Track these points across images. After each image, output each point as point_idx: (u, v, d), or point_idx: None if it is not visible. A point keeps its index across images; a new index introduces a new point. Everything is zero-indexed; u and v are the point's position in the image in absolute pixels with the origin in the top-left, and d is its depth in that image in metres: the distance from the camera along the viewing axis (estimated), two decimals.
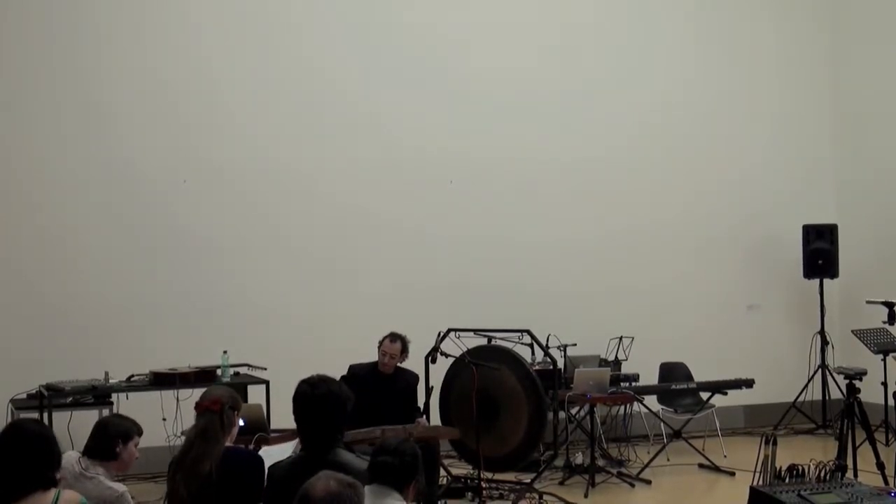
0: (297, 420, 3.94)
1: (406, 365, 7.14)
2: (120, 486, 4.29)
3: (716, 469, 8.00)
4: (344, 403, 3.92)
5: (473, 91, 9.05)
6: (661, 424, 8.59)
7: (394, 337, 7.01)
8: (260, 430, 5.94)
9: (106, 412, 6.88)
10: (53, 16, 7.95)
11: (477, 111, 9.05)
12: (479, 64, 9.08)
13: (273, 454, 5.08)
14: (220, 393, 4.30)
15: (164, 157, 8.20)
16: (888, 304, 7.76)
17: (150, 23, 8.21)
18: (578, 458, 7.98)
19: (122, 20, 8.14)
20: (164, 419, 7.12)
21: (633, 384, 8.24)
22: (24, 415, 6.89)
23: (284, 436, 5.85)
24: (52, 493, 3.55)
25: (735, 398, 8.72)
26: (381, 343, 7.03)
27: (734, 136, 9.92)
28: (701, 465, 8.13)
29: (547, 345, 7.93)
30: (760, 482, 4.52)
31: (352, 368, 6.89)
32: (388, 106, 8.82)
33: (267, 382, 7.18)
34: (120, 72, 8.12)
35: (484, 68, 9.09)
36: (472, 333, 7.47)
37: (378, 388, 6.84)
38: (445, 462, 7.50)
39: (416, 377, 7.17)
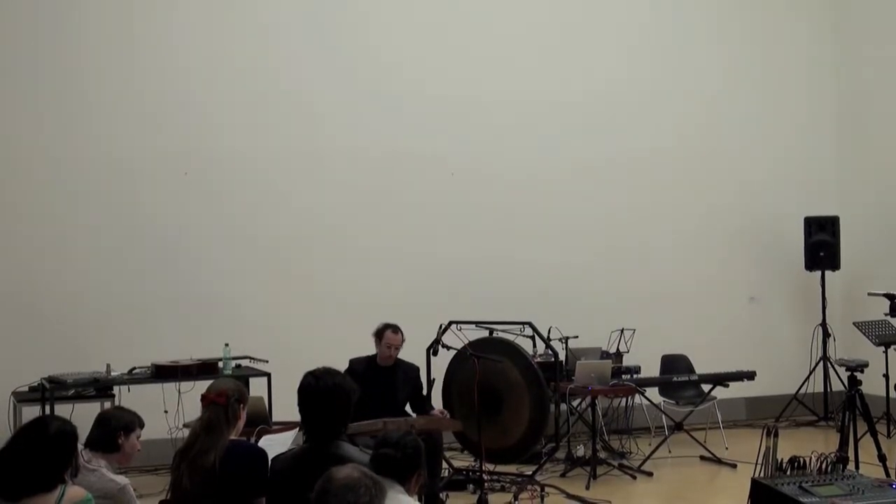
0: (301, 412, 3.95)
1: (406, 357, 7.13)
2: (122, 479, 4.30)
3: (717, 461, 8.01)
4: (348, 396, 3.93)
5: (479, 84, 9.05)
6: (663, 416, 8.59)
7: (395, 328, 6.99)
8: (262, 422, 5.95)
9: (108, 405, 6.91)
10: (35, 11, 7.96)
11: (481, 105, 9.05)
12: (488, 58, 9.10)
13: (274, 442, 5.11)
14: (227, 385, 4.29)
15: (164, 151, 8.20)
16: (890, 296, 7.73)
17: (119, 19, 8.19)
18: (580, 451, 8.00)
19: (89, 19, 8.10)
20: (166, 411, 7.12)
21: (635, 376, 8.22)
22: (26, 408, 6.92)
23: (286, 427, 5.86)
24: (59, 488, 3.57)
25: (736, 390, 8.72)
26: (381, 335, 6.99)
27: (735, 127, 9.92)
28: (703, 458, 8.13)
29: (548, 337, 7.93)
30: (762, 474, 4.53)
31: (351, 363, 6.88)
32: (389, 99, 8.81)
33: (269, 375, 7.19)
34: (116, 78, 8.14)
35: (493, 63, 9.11)
36: (473, 326, 7.47)
37: (378, 380, 6.83)
38: (447, 454, 7.50)
39: (415, 369, 7.16)
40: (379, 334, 6.99)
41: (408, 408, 7.10)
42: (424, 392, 7.23)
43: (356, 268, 8.68)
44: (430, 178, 8.92)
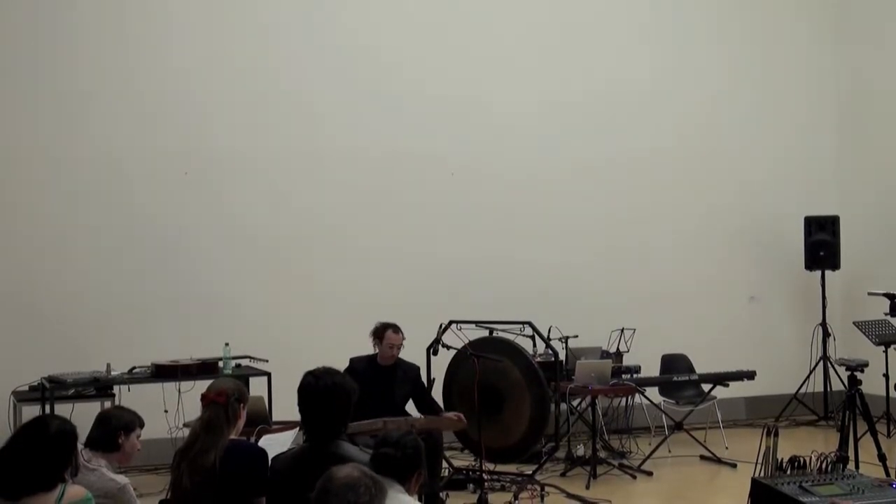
0: (301, 411, 3.95)
1: (406, 357, 7.14)
2: (122, 478, 4.30)
3: (717, 461, 8.01)
4: (348, 396, 3.93)
5: (479, 84, 9.05)
6: (663, 416, 8.59)
7: (395, 327, 7.00)
8: (262, 422, 5.95)
9: (108, 404, 6.91)
10: (35, 11, 7.96)
11: (481, 105, 9.04)
12: (488, 58, 9.10)
13: (274, 442, 5.11)
14: (227, 385, 4.29)
15: (164, 151, 8.20)
16: (890, 296, 7.73)
17: (118, 19, 8.18)
18: (580, 450, 8.00)
19: (88, 19, 8.09)
20: (166, 411, 7.12)
21: (635, 376, 8.23)
22: (26, 407, 6.92)
23: (286, 427, 5.86)
24: (59, 487, 3.58)
25: (736, 390, 8.72)
26: (381, 335, 6.99)
27: (735, 127, 9.91)
28: (703, 457, 8.13)
29: (548, 337, 7.93)
30: (762, 473, 4.54)
31: (351, 362, 6.89)
32: (389, 99, 8.80)
33: (269, 374, 7.18)
34: (104, 76, 8.13)
35: (493, 63, 9.11)
36: (473, 325, 7.47)
37: (379, 380, 6.84)
38: (447, 454, 7.50)
39: (416, 369, 7.16)
40: (379, 334, 6.99)
41: (411, 408, 7.10)
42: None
43: (356, 267, 8.68)
44: (430, 178, 8.92)
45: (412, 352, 7.20)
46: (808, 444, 7.18)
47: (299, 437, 5.39)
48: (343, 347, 6.97)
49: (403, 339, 7.02)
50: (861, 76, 10.07)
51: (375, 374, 6.87)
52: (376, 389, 6.54)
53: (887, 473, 6.37)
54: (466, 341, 7.18)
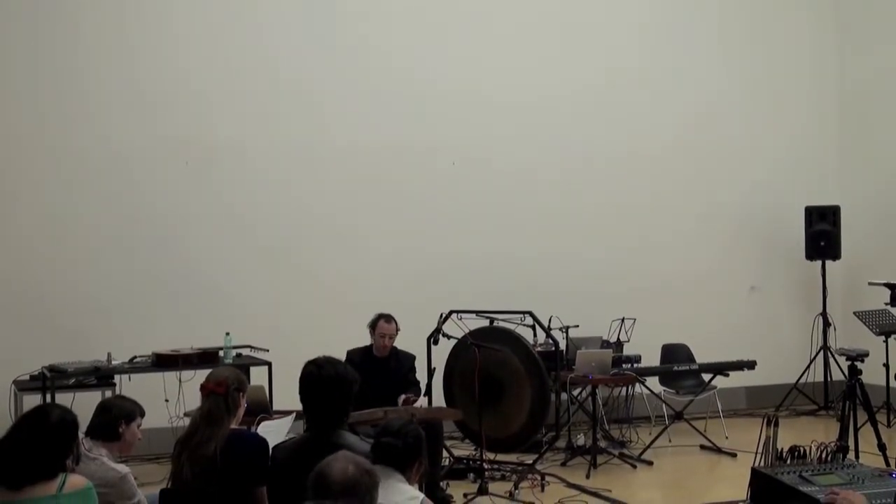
0: (302, 401, 3.96)
1: (404, 346, 7.14)
2: (123, 468, 4.29)
3: (717, 450, 8.02)
4: (350, 385, 3.94)
5: (482, 77, 9.04)
6: (663, 406, 8.61)
7: (388, 318, 7.03)
8: (262, 411, 5.95)
9: (108, 393, 6.91)
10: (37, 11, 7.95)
11: (484, 98, 9.02)
12: (491, 53, 9.09)
13: (271, 429, 5.11)
14: (226, 374, 4.28)
15: (164, 140, 8.18)
16: (890, 286, 7.74)
17: (118, 9, 8.17)
18: (580, 440, 8.01)
19: (88, 8, 8.07)
20: (167, 400, 7.13)
21: (635, 365, 8.23)
22: (27, 397, 6.93)
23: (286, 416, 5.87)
24: (60, 476, 3.58)
25: (737, 379, 8.73)
26: (374, 325, 7.04)
27: (736, 117, 9.90)
28: (703, 447, 8.14)
29: (549, 326, 7.92)
30: (762, 463, 4.53)
31: (348, 354, 6.89)
32: (391, 90, 8.78)
33: (269, 364, 7.19)
34: (110, 78, 8.11)
35: (496, 58, 9.10)
36: (474, 315, 7.47)
37: (375, 371, 6.84)
38: (448, 443, 7.51)
39: (411, 358, 7.17)
40: (373, 325, 7.03)
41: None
42: (423, 384, 7.22)
43: (357, 257, 8.68)
44: (431, 169, 8.90)
45: (413, 342, 7.21)
46: (808, 433, 7.15)
47: (297, 424, 5.40)
48: (344, 337, 6.99)
49: (397, 329, 7.05)
50: (863, 66, 10.05)
51: (371, 365, 6.88)
52: (373, 381, 6.53)
53: (887, 463, 6.38)
54: (467, 331, 7.18)
